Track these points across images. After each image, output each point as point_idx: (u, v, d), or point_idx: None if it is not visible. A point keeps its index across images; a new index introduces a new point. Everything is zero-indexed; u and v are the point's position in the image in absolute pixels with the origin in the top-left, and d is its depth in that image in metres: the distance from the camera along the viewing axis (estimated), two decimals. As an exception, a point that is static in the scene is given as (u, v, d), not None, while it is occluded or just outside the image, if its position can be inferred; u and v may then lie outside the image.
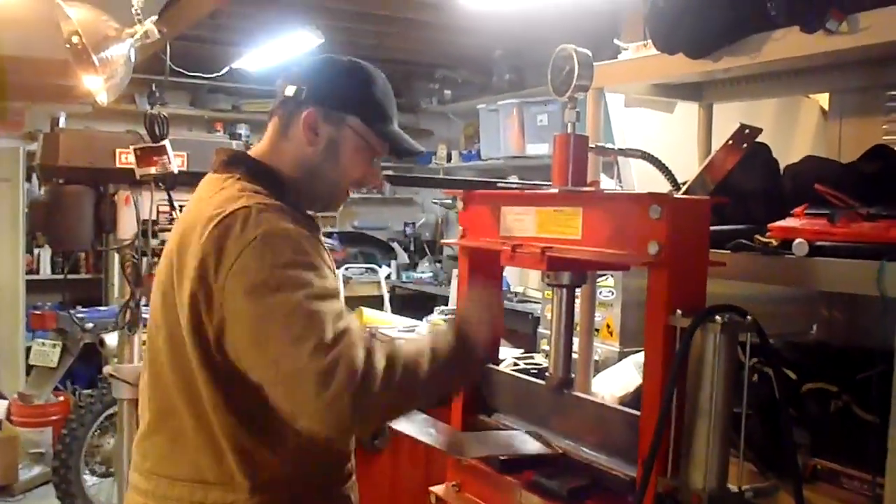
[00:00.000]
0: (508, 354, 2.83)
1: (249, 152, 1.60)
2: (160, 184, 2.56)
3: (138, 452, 1.54)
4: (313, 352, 1.26)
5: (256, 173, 1.52)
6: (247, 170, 1.53)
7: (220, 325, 1.36)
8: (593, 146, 1.74)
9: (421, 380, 1.37)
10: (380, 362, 1.32)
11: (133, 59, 2.46)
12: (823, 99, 2.65)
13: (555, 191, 1.64)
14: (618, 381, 2.23)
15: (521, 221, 1.70)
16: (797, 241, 1.56)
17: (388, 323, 3.42)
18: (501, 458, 1.67)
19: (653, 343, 1.39)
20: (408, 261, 7.18)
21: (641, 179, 2.53)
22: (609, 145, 1.83)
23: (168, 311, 1.45)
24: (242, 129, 7.15)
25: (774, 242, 1.62)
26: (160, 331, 1.48)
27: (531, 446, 1.69)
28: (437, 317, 3.08)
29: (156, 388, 1.49)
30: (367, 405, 1.28)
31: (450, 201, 1.67)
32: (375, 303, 5.74)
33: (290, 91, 1.56)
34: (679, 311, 1.34)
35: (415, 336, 1.82)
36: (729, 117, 2.19)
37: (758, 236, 1.65)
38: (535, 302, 4.87)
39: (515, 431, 1.76)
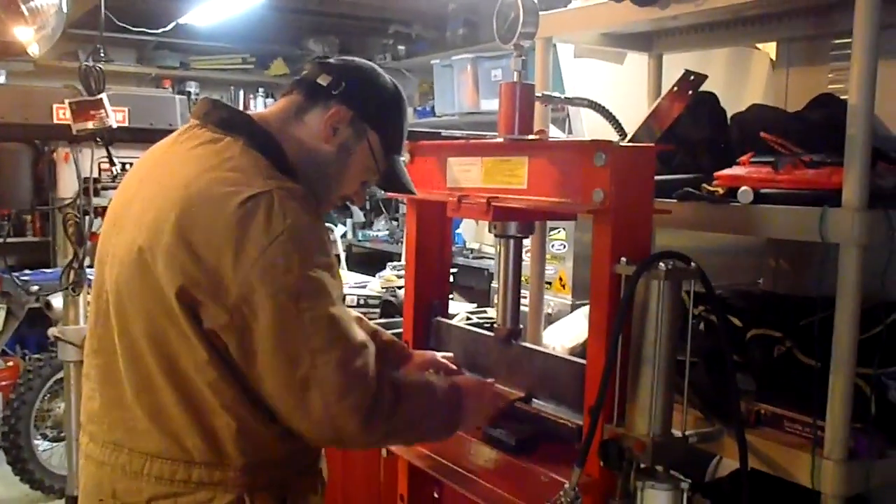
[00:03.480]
0: (461, 309, 2.83)
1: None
2: (98, 140, 2.48)
3: (104, 422, 1.44)
4: (338, 363, 1.29)
5: (263, 144, 1.42)
6: (251, 136, 1.42)
7: (232, 313, 1.29)
8: (539, 95, 1.72)
9: (424, 412, 1.45)
10: (388, 387, 1.37)
11: (66, 10, 2.37)
12: (773, 50, 2.65)
13: (500, 140, 1.62)
14: (569, 332, 2.24)
15: (467, 172, 1.68)
16: (742, 188, 1.56)
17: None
18: None
19: (598, 291, 1.39)
20: (363, 219, 7.13)
21: (592, 132, 2.52)
22: (555, 94, 1.81)
23: (146, 281, 1.34)
24: (192, 87, 6.99)
25: (720, 191, 1.62)
26: (132, 301, 1.37)
27: None
28: (389, 272, 3.08)
29: (131, 361, 1.39)
30: (373, 426, 1.32)
31: (404, 159, 1.71)
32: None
33: (323, 80, 1.50)
34: (624, 259, 1.35)
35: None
36: (679, 68, 2.17)
37: (704, 185, 1.66)
38: (491, 258, 4.87)
39: None
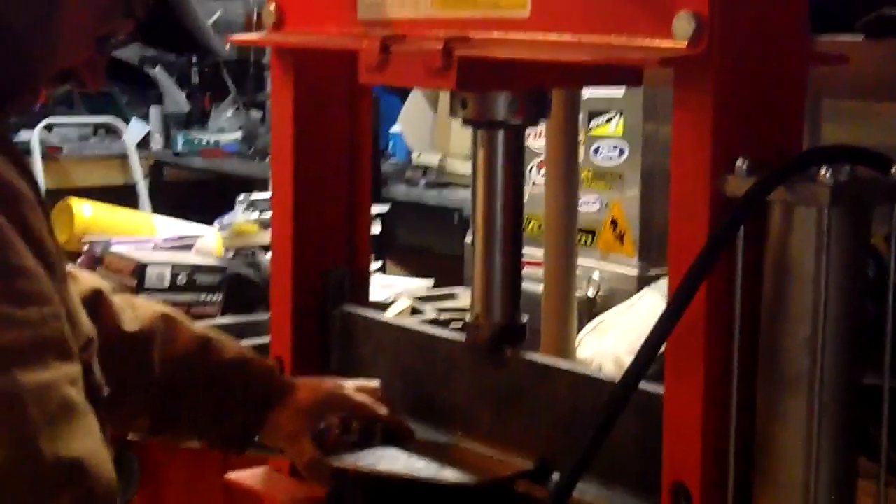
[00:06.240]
0: (402, 290, 2.85)
1: None
2: None
3: None
4: None
5: None
6: None
7: None
8: None
9: None
10: None
11: None
12: None
13: None
14: (632, 332, 2.27)
15: (400, -14, 1.70)
16: None
17: (143, 229, 3.45)
18: (375, 501, 1.76)
19: (686, 234, 1.41)
20: (186, 108, 7.12)
21: None
22: None
23: None
24: None
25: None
26: None
27: (443, 472, 1.74)
28: (242, 215, 3.08)
29: None
30: None
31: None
32: (120, 194, 5.65)
33: None
34: (743, 163, 1.35)
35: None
36: None
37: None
38: (465, 186, 4.88)
39: (389, 449, 1.83)
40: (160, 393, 1.85)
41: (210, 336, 1.89)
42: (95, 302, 1.73)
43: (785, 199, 1.33)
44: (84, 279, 1.82)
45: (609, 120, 2.80)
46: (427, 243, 4.76)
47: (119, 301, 1.87)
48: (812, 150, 1.35)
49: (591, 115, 2.79)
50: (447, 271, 3.76)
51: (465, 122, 1.75)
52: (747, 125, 1.39)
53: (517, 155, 1.76)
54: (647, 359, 1.37)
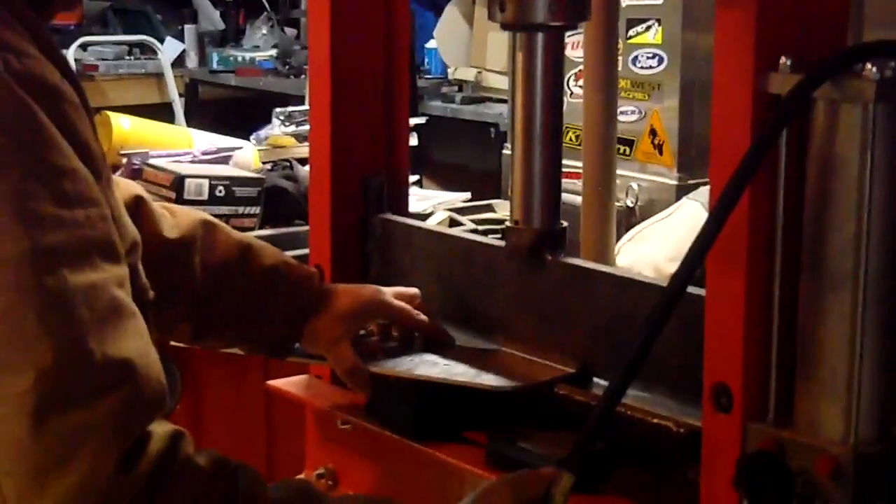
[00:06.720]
0: (439, 203, 2.84)
1: None
2: None
3: None
4: (31, 394, 1.27)
5: None
6: None
7: None
8: None
9: None
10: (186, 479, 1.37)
11: None
12: None
13: None
14: (670, 240, 2.26)
15: None
16: None
17: (181, 142, 3.46)
18: (414, 406, 1.75)
19: (728, 134, 1.40)
20: (222, 26, 7.11)
21: None
22: None
23: None
24: None
25: None
26: None
27: (482, 377, 1.75)
28: (279, 130, 3.07)
29: None
30: None
31: None
32: (155, 113, 5.65)
33: None
34: (786, 61, 1.34)
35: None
36: None
37: None
38: (501, 100, 4.86)
39: (428, 356, 1.84)
40: (201, 299, 1.86)
41: (250, 242, 1.91)
42: (136, 208, 1.74)
43: (829, 97, 1.32)
44: (125, 186, 1.83)
45: (648, 28, 2.79)
46: (463, 159, 4.76)
47: (159, 208, 1.88)
48: (857, 46, 1.33)
49: (630, 24, 2.77)
50: (483, 187, 3.75)
51: (504, 25, 1.74)
52: (791, 24, 1.38)
53: (556, 58, 1.74)
54: (695, 263, 1.37)
